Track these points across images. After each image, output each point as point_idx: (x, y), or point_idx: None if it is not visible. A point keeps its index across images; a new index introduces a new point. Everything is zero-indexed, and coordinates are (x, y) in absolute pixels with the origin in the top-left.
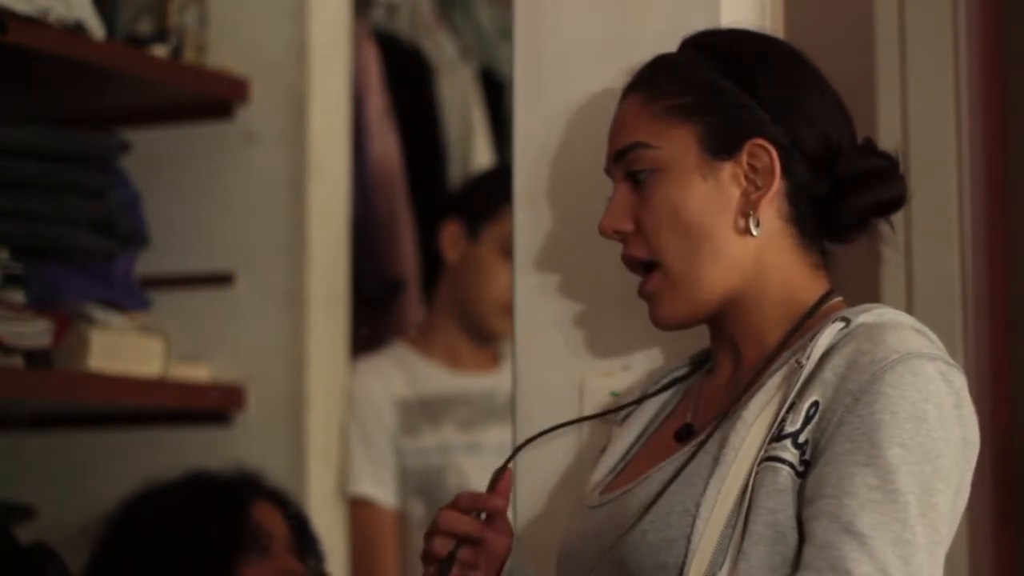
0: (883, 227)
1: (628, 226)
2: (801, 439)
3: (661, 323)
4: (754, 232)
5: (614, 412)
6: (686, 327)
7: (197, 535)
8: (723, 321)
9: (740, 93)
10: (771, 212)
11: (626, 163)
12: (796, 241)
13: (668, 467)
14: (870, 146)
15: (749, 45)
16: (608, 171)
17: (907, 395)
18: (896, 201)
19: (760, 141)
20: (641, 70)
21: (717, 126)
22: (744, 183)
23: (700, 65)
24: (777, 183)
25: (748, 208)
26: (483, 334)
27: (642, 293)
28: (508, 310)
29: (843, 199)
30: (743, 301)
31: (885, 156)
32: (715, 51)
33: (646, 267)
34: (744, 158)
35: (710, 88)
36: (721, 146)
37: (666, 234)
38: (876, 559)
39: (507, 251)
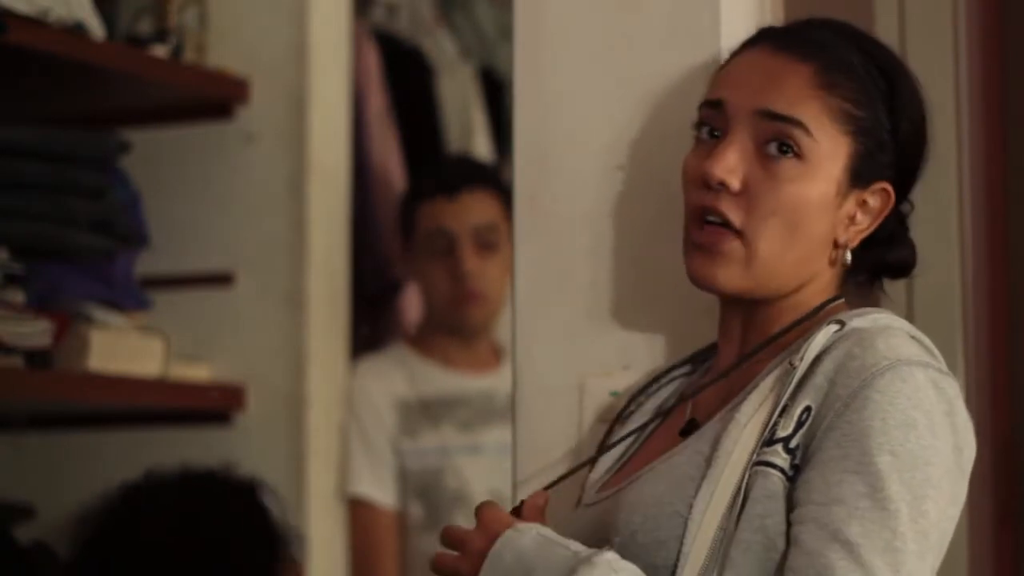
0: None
1: (737, 184)
2: (792, 444)
3: (707, 280)
4: (848, 261)
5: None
6: (719, 295)
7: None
8: (750, 312)
9: (891, 131)
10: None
11: (771, 129)
12: (840, 271)
13: (660, 466)
14: (898, 210)
15: (906, 81)
16: (721, 105)
17: (896, 402)
18: (902, 267)
19: (889, 188)
20: (813, 37)
21: (868, 156)
22: (853, 214)
23: (872, 82)
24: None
25: (846, 239)
26: (460, 328)
27: (703, 244)
28: (465, 299)
29: (863, 251)
30: (780, 303)
31: (901, 219)
32: (883, 71)
33: (724, 226)
34: (866, 194)
35: (875, 115)
36: (861, 176)
37: (777, 221)
38: (865, 567)
39: (432, 246)
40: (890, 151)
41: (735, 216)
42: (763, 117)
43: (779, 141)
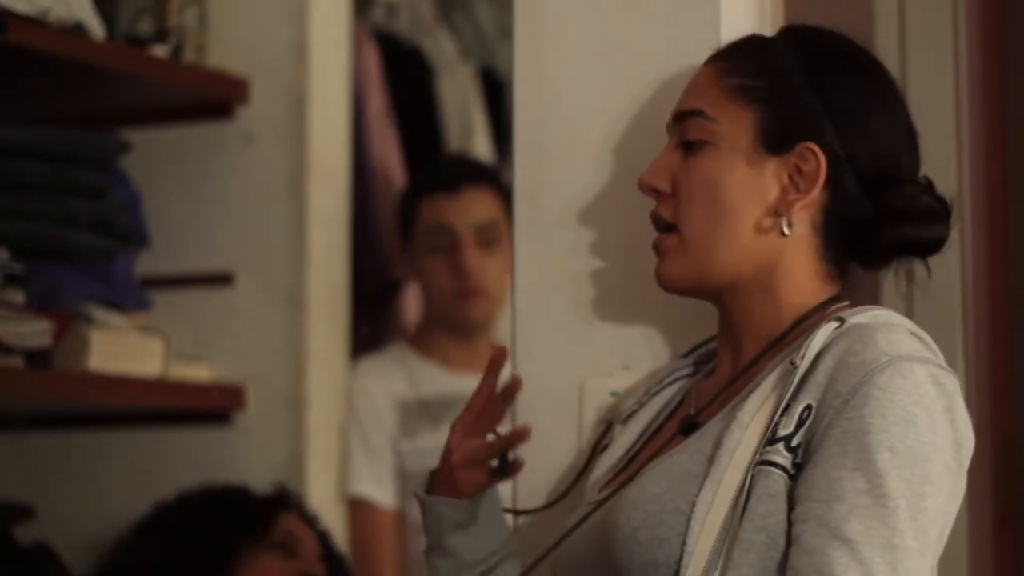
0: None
1: (665, 187)
2: (794, 442)
3: (663, 280)
4: (786, 231)
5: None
6: (687, 294)
7: (218, 527)
8: (730, 309)
9: (811, 92)
10: (803, 218)
11: (682, 128)
12: (818, 253)
13: (662, 463)
14: (929, 185)
15: (838, 47)
16: (668, 128)
17: (896, 398)
18: (936, 243)
19: (812, 146)
20: (732, 42)
21: (777, 120)
22: (786, 182)
23: (783, 53)
24: (817, 192)
25: (783, 208)
26: (461, 325)
27: (655, 247)
28: (466, 295)
29: (883, 228)
30: (752, 294)
31: (940, 199)
32: (803, 44)
33: (668, 227)
34: (792, 158)
35: (783, 79)
36: (774, 140)
37: (696, 204)
38: (864, 565)
39: (434, 242)
40: (815, 112)
41: (667, 212)
42: (676, 121)
43: (687, 138)
